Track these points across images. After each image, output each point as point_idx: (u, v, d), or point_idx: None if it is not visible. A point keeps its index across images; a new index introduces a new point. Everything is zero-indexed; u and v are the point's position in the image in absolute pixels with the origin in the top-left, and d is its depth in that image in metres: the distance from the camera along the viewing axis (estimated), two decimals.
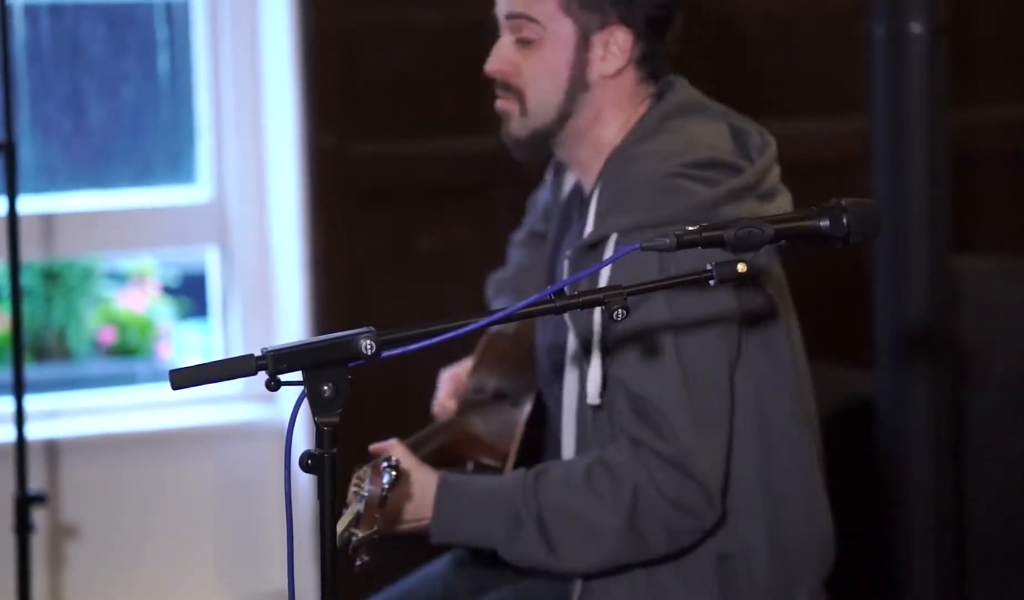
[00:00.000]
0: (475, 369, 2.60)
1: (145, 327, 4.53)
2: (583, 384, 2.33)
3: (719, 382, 2.28)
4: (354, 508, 2.14)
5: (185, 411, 3.77)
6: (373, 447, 2.40)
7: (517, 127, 2.42)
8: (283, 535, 1.77)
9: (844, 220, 1.88)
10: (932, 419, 3.14)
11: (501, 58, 2.40)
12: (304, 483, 3.51)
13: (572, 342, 2.35)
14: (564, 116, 2.39)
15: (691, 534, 2.28)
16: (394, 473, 2.15)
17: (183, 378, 1.70)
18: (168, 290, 4.58)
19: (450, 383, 2.68)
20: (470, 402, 2.57)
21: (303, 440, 3.17)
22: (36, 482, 3.46)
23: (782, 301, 2.40)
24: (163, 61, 3.79)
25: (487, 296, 2.81)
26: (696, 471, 2.22)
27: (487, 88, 2.46)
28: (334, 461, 1.72)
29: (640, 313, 2.24)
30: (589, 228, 2.32)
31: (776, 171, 2.41)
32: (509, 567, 2.45)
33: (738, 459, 2.33)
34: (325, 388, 1.70)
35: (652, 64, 2.41)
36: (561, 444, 2.40)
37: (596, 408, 2.32)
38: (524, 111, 2.40)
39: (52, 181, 3.75)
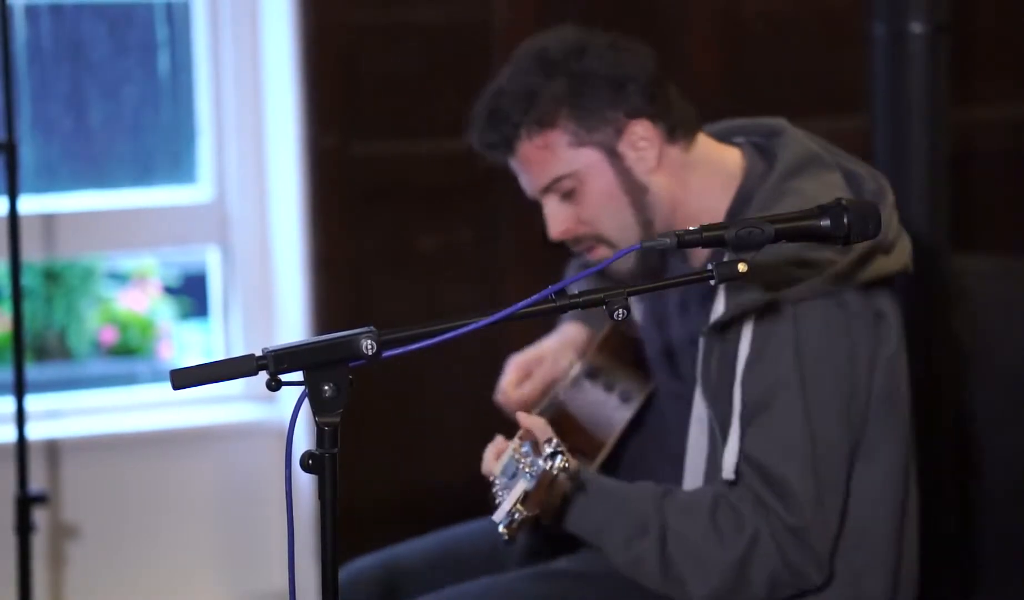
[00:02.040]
0: (596, 351, 2.57)
1: (146, 327, 4.53)
2: (711, 433, 2.33)
3: (845, 448, 2.28)
4: (522, 485, 2.07)
5: (186, 411, 3.77)
6: (522, 419, 2.31)
7: (624, 262, 2.40)
8: (284, 535, 1.77)
9: (844, 220, 1.89)
10: (933, 419, 3.14)
11: (559, 221, 2.41)
12: (305, 483, 3.51)
13: (699, 392, 2.33)
14: (648, 222, 2.39)
15: (792, 590, 2.30)
16: (564, 457, 2.08)
17: (184, 378, 1.70)
18: (169, 290, 4.58)
19: (517, 371, 2.64)
20: (580, 382, 2.55)
21: (304, 440, 3.18)
22: (37, 482, 3.46)
23: (902, 345, 2.39)
24: (164, 61, 3.79)
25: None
26: (814, 542, 2.25)
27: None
28: (335, 461, 1.72)
29: (768, 374, 2.24)
30: (721, 305, 2.28)
31: (896, 217, 2.37)
32: (564, 539, 2.45)
33: (869, 528, 2.34)
34: (326, 388, 1.71)
35: (683, 125, 2.40)
36: (684, 473, 2.39)
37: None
38: (615, 246, 2.40)
39: (53, 181, 3.75)
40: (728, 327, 2.28)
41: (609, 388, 2.52)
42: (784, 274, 2.25)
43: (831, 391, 2.26)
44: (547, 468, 2.06)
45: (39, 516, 3.26)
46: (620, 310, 1.78)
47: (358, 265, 3.61)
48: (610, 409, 2.51)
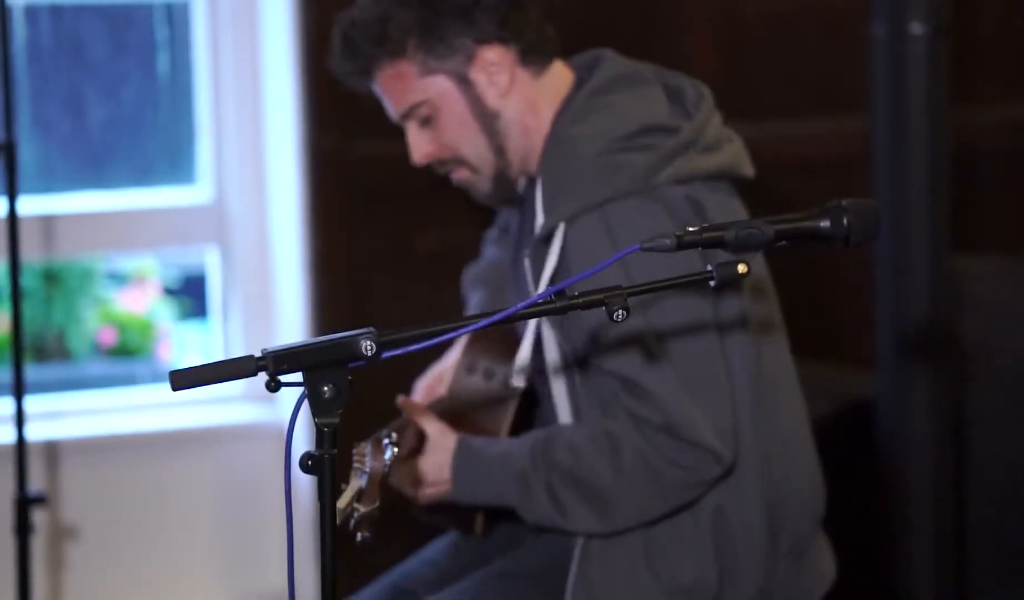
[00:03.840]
0: (465, 350, 2.61)
1: (145, 328, 4.53)
2: (566, 363, 2.38)
3: (706, 349, 2.32)
4: (356, 484, 2.15)
5: (185, 412, 3.77)
6: (402, 400, 2.48)
7: (480, 185, 2.50)
8: (283, 536, 1.77)
9: (844, 221, 1.88)
10: (932, 419, 3.14)
11: (418, 146, 2.49)
12: (304, 484, 3.51)
13: (547, 327, 2.40)
14: (500, 148, 2.45)
15: (695, 488, 2.34)
16: (396, 449, 2.16)
17: (183, 379, 1.70)
18: (168, 291, 4.58)
19: (424, 392, 2.70)
20: (461, 383, 2.58)
21: (303, 441, 3.17)
22: (36, 483, 3.46)
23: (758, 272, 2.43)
24: (163, 61, 3.79)
25: (462, 290, 2.83)
26: (688, 434, 2.28)
27: None
28: (334, 462, 1.72)
29: (592, 279, 2.26)
30: (539, 220, 2.36)
31: (716, 120, 2.43)
32: (499, 545, 2.54)
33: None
34: (325, 389, 1.70)
35: (537, 51, 2.44)
36: (556, 422, 2.45)
37: (587, 385, 2.36)
38: (473, 169, 2.48)
39: (52, 182, 3.75)
40: (548, 240, 2.34)
41: (489, 377, 2.56)
42: (597, 180, 2.30)
43: (665, 306, 2.29)
44: (375, 464, 2.12)
45: (38, 517, 3.26)
46: (619, 311, 1.78)
47: (358, 265, 3.61)
48: (496, 397, 2.54)
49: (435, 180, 3.73)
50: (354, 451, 2.22)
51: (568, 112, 2.41)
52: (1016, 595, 3.43)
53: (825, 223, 1.89)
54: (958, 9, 3.16)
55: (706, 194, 2.36)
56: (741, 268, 1.82)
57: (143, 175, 3.82)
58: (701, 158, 2.36)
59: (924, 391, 3.14)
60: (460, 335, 1.75)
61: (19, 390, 3.08)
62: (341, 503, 2.09)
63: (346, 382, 1.71)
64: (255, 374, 1.70)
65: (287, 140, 3.63)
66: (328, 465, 1.71)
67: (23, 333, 3.08)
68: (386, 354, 1.71)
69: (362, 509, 2.11)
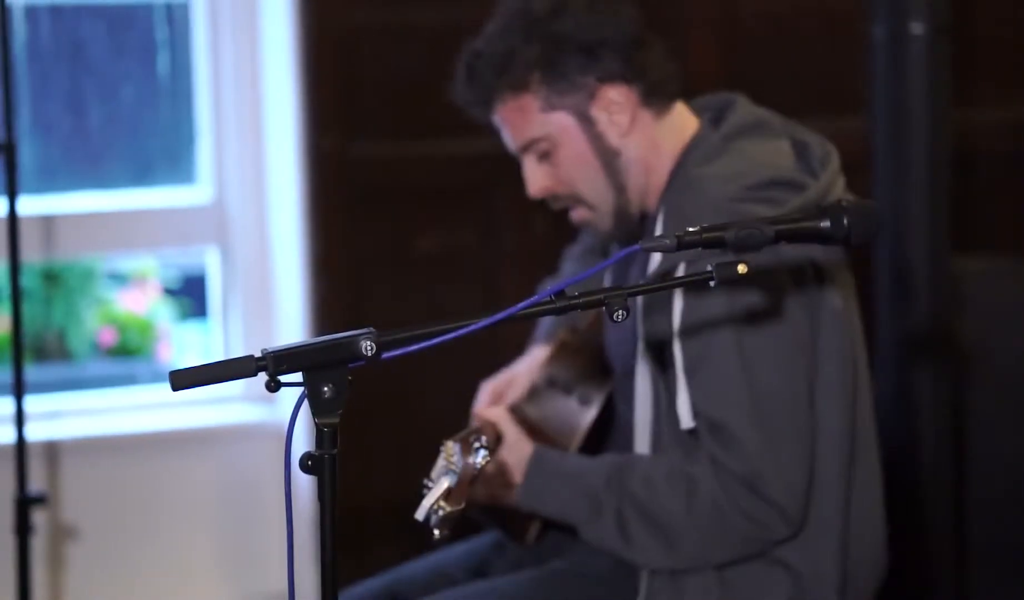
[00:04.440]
0: (550, 361, 2.60)
1: (145, 328, 4.53)
2: (656, 395, 2.37)
3: (795, 398, 2.30)
4: (445, 482, 2.15)
5: (185, 412, 3.77)
6: (478, 410, 2.49)
7: (601, 222, 2.47)
8: (283, 536, 1.77)
9: (844, 221, 1.88)
10: (932, 419, 3.14)
11: (535, 181, 2.47)
12: (304, 484, 3.51)
13: (642, 354, 2.38)
14: (620, 186, 2.43)
15: (761, 545, 2.33)
16: (486, 452, 2.15)
17: (183, 379, 1.70)
18: (168, 291, 4.58)
19: (489, 394, 2.69)
20: (540, 392, 2.58)
21: (303, 441, 3.17)
22: (36, 483, 3.46)
23: (850, 304, 2.42)
24: (163, 62, 3.79)
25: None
26: (767, 491, 2.27)
27: None
28: (334, 462, 1.72)
29: (706, 335, 2.27)
30: (656, 259, 2.33)
31: (841, 183, 2.41)
32: (550, 554, 2.52)
33: (819, 475, 2.35)
34: (325, 389, 1.70)
35: (661, 91, 2.43)
36: (632, 449, 2.44)
37: (672, 421, 2.35)
38: (591, 207, 2.45)
39: (52, 182, 3.75)
40: (663, 278, 2.32)
41: (567, 392, 2.56)
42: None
43: (765, 337, 2.28)
44: (468, 463, 2.11)
45: (38, 517, 3.26)
46: (620, 312, 1.78)
47: (357, 266, 3.61)
48: (570, 413, 2.54)
49: (435, 181, 3.74)
50: (442, 449, 2.23)
51: (698, 151, 2.39)
52: (1016, 595, 3.43)
53: (825, 223, 1.89)
54: (958, 10, 3.16)
55: (820, 253, 2.34)
56: (741, 268, 1.82)
57: (143, 175, 3.82)
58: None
59: (924, 391, 3.14)
60: (459, 336, 1.74)
61: (19, 390, 3.08)
62: (428, 500, 2.10)
63: (346, 382, 1.71)
64: (255, 374, 1.70)
65: (287, 141, 3.63)
66: (328, 465, 1.71)
67: (23, 333, 3.08)
68: (386, 354, 1.71)
69: (448, 508, 2.11)
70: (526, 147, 2.45)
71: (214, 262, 3.83)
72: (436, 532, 2.14)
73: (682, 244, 1.82)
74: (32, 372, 3.68)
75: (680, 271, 2.30)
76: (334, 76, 3.54)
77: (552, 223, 3.56)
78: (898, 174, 3.09)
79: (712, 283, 1.84)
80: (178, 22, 3.77)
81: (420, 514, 2.12)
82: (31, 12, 3.68)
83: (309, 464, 1.72)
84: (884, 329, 3.16)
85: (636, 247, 1.81)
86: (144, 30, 3.79)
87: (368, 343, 1.70)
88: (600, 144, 2.41)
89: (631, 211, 2.45)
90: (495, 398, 2.67)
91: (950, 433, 3.19)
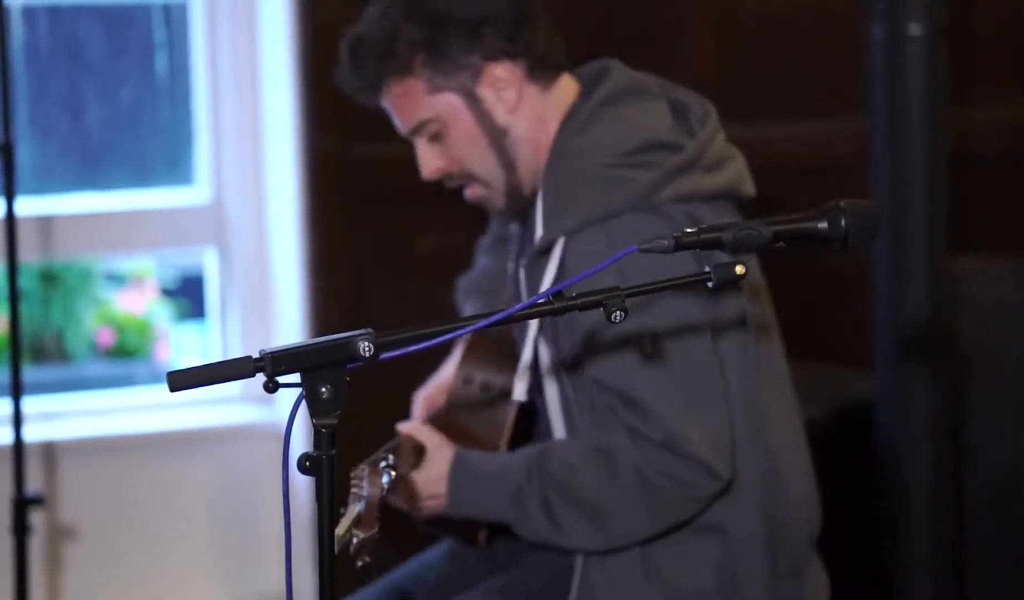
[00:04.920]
0: (462, 363, 2.60)
1: (143, 329, 4.53)
2: (559, 377, 2.37)
3: (702, 353, 2.31)
4: (354, 509, 2.14)
5: (183, 413, 3.77)
6: (400, 427, 2.48)
7: (494, 200, 2.48)
8: (281, 536, 1.77)
9: (842, 222, 1.88)
10: (931, 420, 3.14)
11: (428, 162, 2.48)
12: (302, 485, 3.51)
13: (534, 334, 2.39)
14: (510, 164, 2.43)
15: (692, 504, 2.32)
16: (393, 473, 2.15)
17: (181, 380, 1.70)
18: (166, 292, 4.58)
19: (424, 404, 2.69)
20: (458, 397, 2.58)
21: (301, 442, 3.17)
22: (34, 484, 3.46)
23: (750, 265, 2.42)
24: (161, 62, 3.79)
25: (456, 300, 2.82)
26: (688, 449, 2.26)
27: None
28: (332, 463, 1.72)
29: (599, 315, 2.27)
30: (538, 232, 2.34)
31: (720, 139, 2.41)
32: (500, 555, 2.52)
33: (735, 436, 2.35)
34: (323, 390, 1.70)
35: (546, 64, 2.43)
36: (552, 436, 2.44)
37: (580, 398, 2.35)
38: (485, 184, 2.46)
39: (50, 182, 3.75)
40: (547, 253, 2.33)
41: (487, 388, 2.55)
42: (599, 195, 2.29)
43: (665, 302, 2.28)
44: (372, 489, 2.11)
45: (36, 518, 3.26)
46: (617, 312, 1.78)
47: (356, 267, 3.61)
48: (494, 409, 2.53)
49: (434, 182, 3.73)
50: (352, 475, 2.20)
51: (572, 123, 2.39)
52: (1015, 595, 3.43)
53: (823, 224, 1.89)
54: (956, 10, 3.17)
55: (707, 213, 2.34)
56: (739, 269, 1.82)
57: (141, 176, 3.82)
58: (703, 177, 2.34)
59: (922, 392, 3.14)
60: (459, 336, 1.74)
61: (17, 391, 3.08)
62: (339, 530, 2.08)
63: (344, 383, 1.71)
64: (253, 375, 1.70)
65: (285, 141, 3.63)
66: (326, 466, 1.71)
67: (21, 334, 3.08)
68: (384, 355, 1.71)
69: (361, 535, 2.09)
70: (416, 130, 2.45)
71: (212, 263, 3.83)
72: (358, 562, 2.12)
73: (680, 244, 1.81)
74: (30, 373, 3.68)
75: (559, 248, 2.30)
76: (333, 76, 3.54)
77: None
78: (897, 174, 3.09)
79: (711, 284, 1.84)
80: (176, 22, 3.77)
81: (336, 547, 2.09)
82: (29, 12, 3.68)
83: (307, 465, 1.72)
84: (882, 330, 3.16)
85: (634, 248, 1.80)
86: (142, 30, 3.79)
87: (366, 344, 1.70)
88: (488, 122, 2.41)
89: (523, 188, 2.44)
90: (429, 404, 2.66)
91: (949, 433, 3.19)
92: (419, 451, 2.44)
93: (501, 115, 2.41)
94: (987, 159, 3.94)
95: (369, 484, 2.15)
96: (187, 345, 4.57)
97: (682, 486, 2.28)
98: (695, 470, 2.27)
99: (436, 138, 2.45)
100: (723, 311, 2.35)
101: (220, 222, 3.77)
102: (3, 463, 3.20)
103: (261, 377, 1.70)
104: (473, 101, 2.40)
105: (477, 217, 3.65)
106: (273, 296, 3.77)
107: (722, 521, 2.35)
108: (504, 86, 2.40)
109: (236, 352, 3.78)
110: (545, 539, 2.36)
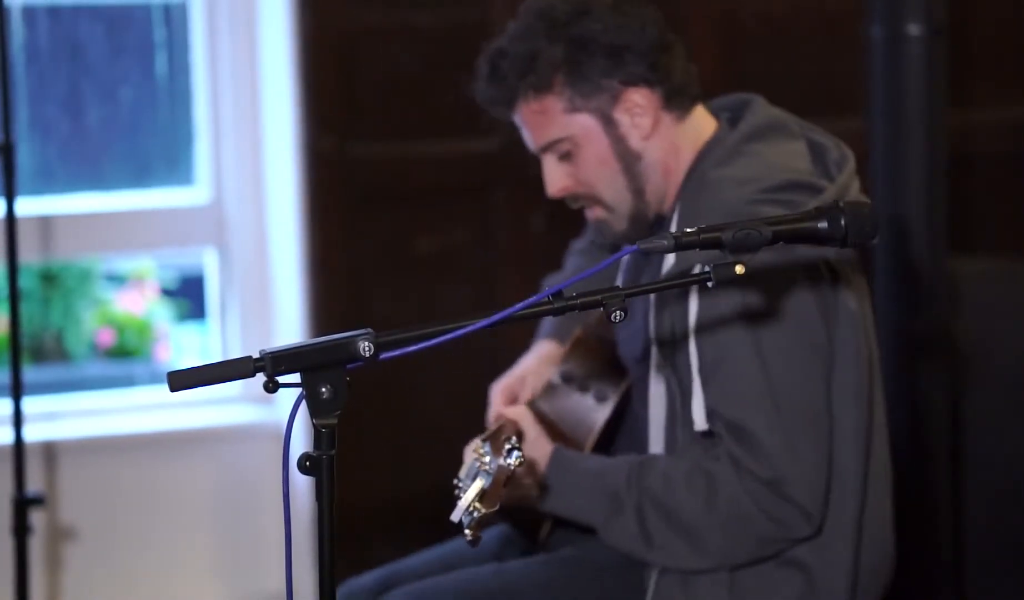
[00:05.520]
0: (566, 358, 2.60)
1: (143, 329, 4.53)
2: (670, 395, 2.37)
3: (813, 398, 2.30)
4: (479, 483, 2.11)
5: (183, 413, 3.77)
6: (499, 411, 2.48)
7: (617, 224, 2.47)
8: (281, 537, 1.77)
9: (842, 222, 1.88)
10: (930, 420, 3.14)
11: (555, 180, 2.46)
12: (302, 484, 3.51)
13: (655, 354, 2.38)
14: (639, 190, 2.43)
15: (782, 545, 2.33)
16: (520, 453, 2.13)
17: (181, 380, 1.70)
18: (166, 292, 4.58)
19: (502, 396, 2.67)
20: (556, 388, 2.57)
21: (301, 442, 3.17)
22: (34, 484, 3.46)
23: (864, 304, 2.41)
24: (161, 62, 3.79)
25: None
26: (791, 493, 2.27)
27: None
28: (332, 463, 1.72)
29: (722, 336, 2.27)
30: (671, 260, 2.33)
31: (856, 186, 2.41)
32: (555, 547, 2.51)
33: (837, 476, 2.35)
34: (323, 390, 1.70)
35: (682, 94, 2.44)
36: (646, 445, 2.44)
37: (687, 420, 2.35)
38: (609, 208, 2.45)
39: (50, 183, 3.75)
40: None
41: (584, 390, 2.56)
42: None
43: (783, 337, 2.28)
44: (503, 464, 2.10)
45: (36, 518, 3.26)
46: (617, 312, 1.78)
47: (355, 267, 3.61)
48: (586, 410, 2.53)
49: (433, 182, 3.74)
50: (471, 450, 2.21)
51: (715, 154, 2.39)
52: (1016, 595, 3.43)
53: (823, 224, 1.89)
54: (955, 11, 3.17)
55: (832, 253, 2.34)
56: (739, 269, 1.82)
57: (141, 176, 3.82)
58: None
59: (922, 392, 3.14)
60: (458, 336, 1.74)
61: (17, 391, 3.08)
62: (464, 501, 2.08)
63: (344, 383, 1.71)
64: (253, 375, 1.70)
65: (285, 141, 3.63)
66: (326, 466, 1.71)
67: (21, 334, 3.08)
68: (384, 355, 1.71)
69: (483, 510, 2.09)
70: (547, 147, 2.44)
71: (212, 263, 3.83)
72: (468, 533, 2.12)
73: (680, 244, 1.81)
74: (30, 373, 3.68)
75: (695, 271, 2.28)
76: (332, 76, 3.54)
77: (549, 223, 3.57)
78: (896, 175, 3.09)
79: (710, 284, 1.84)
80: (176, 23, 3.77)
81: (456, 516, 2.09)
82: (29, 12, 3.68)
83: (307, 465, 1.72)
84: (882, 329, 3.15)
85: (634, 248, 1.80)
86: (142, 31, 3.79)
87: (366, 344, 1.70)
88: (621, 146, 2.41)
89: (648, 213, 2.45)
90: (509, 398, 2.65)
91: (949, 433, 3.19)
92: (519, 438, 2.43)
93: (635, 140, 2.41)
94: (987, 159, 3.94)
95: (496, 460, 2.13)
96: (187, 345, 4.57)
97: (778, 525, 2.29)
98: (793, 512, 2.28)
99: (566, 157, 2.44)
100: (842, 345, 2.34)
101: (220, 222, 3.77)
102: (3, 463, 3.21)
103: (261, 377, 1.70)
104: (609, 124, 2.40)
105: (476, 217, 3.65)
106: (273, 296, 3.77)
107: (807, 562, 2.36)
108: (640, 112, 2.40)
109: (236, 352, 3.78)
110: (633, 549, 2.35)
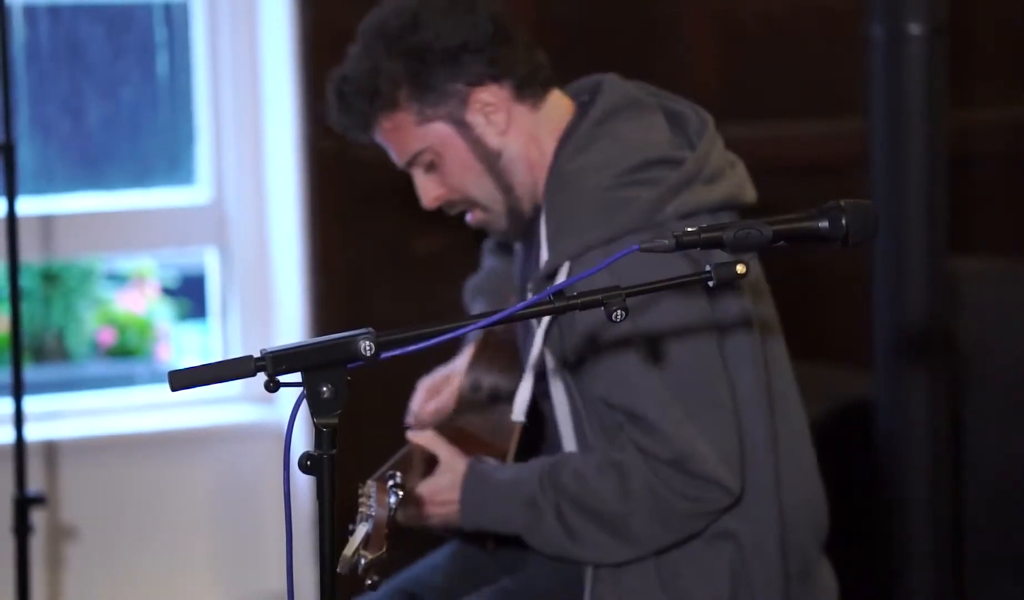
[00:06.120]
0: (470, 368, 2.60)
1: (144, 328, 4.54)
2: (571, 395, 2.38)
3: (706, 367, 2.31)
4: (363, 530, 2.12)
5: (184, 412, 3.77)
6: (412, 436, 2.47)
7: (496, 223, 2.49)
8: (282, 536, 1.77)
9: (842, 221, 1.88)
10: (930, 420, 3.14)
11: (427, 191, 2.48)
12: (303, 484, 3.51)
13: (548, 357, 2.38)
14: (507, 186, 2.44)
15: (703, 518, 2.33)
16: (400, 493, 2.13)
17: (182, 379, 1.70)
18: (167, 291, 4.58)
19: (425, 392, 2.69)
20: (466, 401, 2.57)
21: (302, 441, 3.18)
22: (35, 483, 3.46)
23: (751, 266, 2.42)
24: (162, 62, 3.79)
25: (464, 302, 2.83)
26: (696, 469, 2.27)
27: None
28: (333, 462, 1.72)
29: (600, 328, 2.27)
30: (544, 256, 2.34)
31: (719, 148, 2.41)
32: (507, 558, 2.52)
33: (745, 442, 2.35)
34: (324, 389, 1.70)
35: (532, 82, 2.43)
36: (561, 445, 2.44)
37: (590, 414, 2.35)
38: (485, 209, 2.47)
39: (51, 182, 3.76)
40: (552, 277, 2.33)
41: (494, 395, 2.56)
42: (602, 217, 2.29)
43: (661, 314, 2.28)
44: (383, 505, 2.10)
45: (37, 517, 3.26)
46: (618, 311, 1.78)
47: (356, 267, 3.61)
48: (500, 415, 2.52)
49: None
50: (359, 493, 2.19)
51: (570, 143, 2.39)
52: (1014, 594, 3.44)
53: (823, 223, 1.89)
54: (955, 10, 3.17)
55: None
56: (740, 268, 1.82)
57: (142, 176, 3.82)
58: (705, 190, 2.34)
59: (921, 392, 3.14)
60: (458, 335, 1.74)
61: (18, 390, 3.08)
62: (347, 551, 2.07)
63: (345, 382, 1.71)
64: (254, 374, 1.70)
65: (286, 141, 3.63)
66: (327, 465, 1.72)
67: (22, 333, 3.08)
68: (384, 355, 1.71)
69: (369, 556, 2.09)
70: (411, 161, 2.46)
71: (213, 262, 3.83)
72: (366, 580, 2.11)
73: (681, 244, 1.82)
74: (31, 372, 3.68)
75: (564, 272, 2.29)
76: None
77: None
78: (896, 174, 3.09)
79: (711, 283, 1.84)
80: (177, 22, 3.77)
81: (341, 567, 2.08)
82: (30, 12, 3.68)
83: (308, 464, 1.73)
84: (882, 330, 3.16)
85: (635, 247, 1.80)
86: (143, 30, 3.79)
87: (367, 343, 1.70)
88: (480, 147, 2.42)
89: (522, 207, 2.45)
90: (431, 395, 2.66)
91: (948, 434, 3.19)
92: (431, 461, 2.44)
93: (493, 138, 2.42)
94: (987, 159, 3.95)
95: (377, 504, 2.13)
96: (188, 345, 4.57)
97: (694, 502, 2.29)
98: (706, 487, 2.28)
99: (431, 168, 2.45)
100: (725, 313, 2.35)
101: (220, 222, 3.77)
102: (4, 462, 3.21)
103: (262, 377, 1.70)
104: (463, 128, 2.41)
105: None
106: (273, 296, 3.77)
107: (734, 529, 2.36)
108: (492, 109, 2.40)
109: (237, 352, 3.78)
110: (558, 550, 2.36)
